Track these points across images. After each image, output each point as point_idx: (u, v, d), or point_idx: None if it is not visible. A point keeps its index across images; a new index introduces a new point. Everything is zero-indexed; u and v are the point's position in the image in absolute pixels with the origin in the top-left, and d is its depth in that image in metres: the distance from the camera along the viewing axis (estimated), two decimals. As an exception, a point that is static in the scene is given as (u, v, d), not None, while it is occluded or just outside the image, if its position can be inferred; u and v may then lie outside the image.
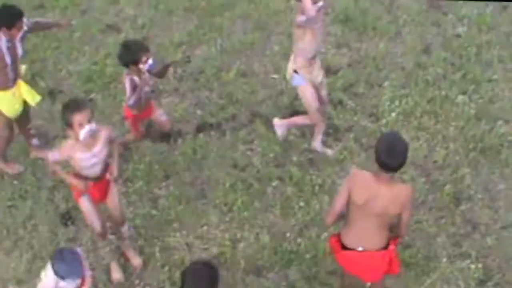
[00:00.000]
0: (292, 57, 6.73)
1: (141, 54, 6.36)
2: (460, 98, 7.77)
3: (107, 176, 5.77)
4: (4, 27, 6.27)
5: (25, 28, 6.43)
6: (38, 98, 6.86)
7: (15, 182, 6.98)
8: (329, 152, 7.16)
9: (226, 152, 7.25)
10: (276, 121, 7.28)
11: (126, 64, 6.44)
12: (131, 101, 6.53)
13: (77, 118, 5.24)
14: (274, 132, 7.36)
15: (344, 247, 5.24)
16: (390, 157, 4.80)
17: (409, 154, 4.93)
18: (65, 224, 6.60)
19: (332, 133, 7.36)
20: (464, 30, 8.74)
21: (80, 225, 6.56)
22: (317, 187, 6.85)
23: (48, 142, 7.32)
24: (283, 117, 7.51)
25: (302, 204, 6.73)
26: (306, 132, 7.39)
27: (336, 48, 8.53)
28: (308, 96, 6.77)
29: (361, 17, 8.91)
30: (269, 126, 7.45)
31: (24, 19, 6.41)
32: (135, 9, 9.23)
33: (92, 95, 7.93)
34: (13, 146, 7.14)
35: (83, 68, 8.27)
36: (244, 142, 7.36)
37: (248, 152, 7.27)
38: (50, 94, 7.83)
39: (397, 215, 5.04)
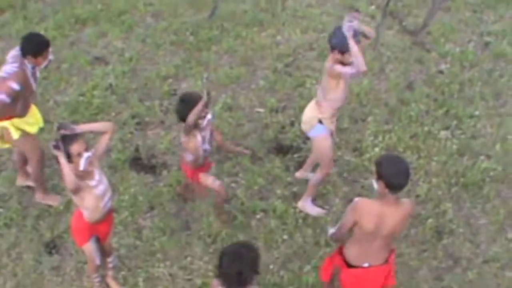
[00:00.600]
0: (313, 106, 6.53)
1: None
2: (443, 133, 7.87)
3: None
4: (30, 55, 6.28)
5: (50, 57, 6.44)
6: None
7: (0, 210, 6.98)
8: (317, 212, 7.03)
9: (211, 184, 7.29)
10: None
11: (186, 118, 6.13)
12: (190, 157, 6.36)
13: (75, 148, 5.30)
14: (258, 165, 7.42)
15: (348, 265, 5.34)
16: (399, 178, 4.94)
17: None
18: (50, 253, 6.60)
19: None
20: (447, 67, 8.87)
21: (64, 254, 6.57)
22: (300, 220, 6.90)
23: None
24: (268, 151, 7.58)
25: (285, 237, 6.77)
26: (290, 165, 7.46)
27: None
28: (327, 145, 6.59)
29: (346, 54, 9.00)
30: (254, 159, 7.52)
31: (50, 49, 6.43)
32: (123, 42, 9.31)
33: (79, 126, 7.96)
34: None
35: (71, 99, 8.32)
36: (229, 174, 7.40)
37: (233, 185, 7.31)
38: (37, 124, 7.88)
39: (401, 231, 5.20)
